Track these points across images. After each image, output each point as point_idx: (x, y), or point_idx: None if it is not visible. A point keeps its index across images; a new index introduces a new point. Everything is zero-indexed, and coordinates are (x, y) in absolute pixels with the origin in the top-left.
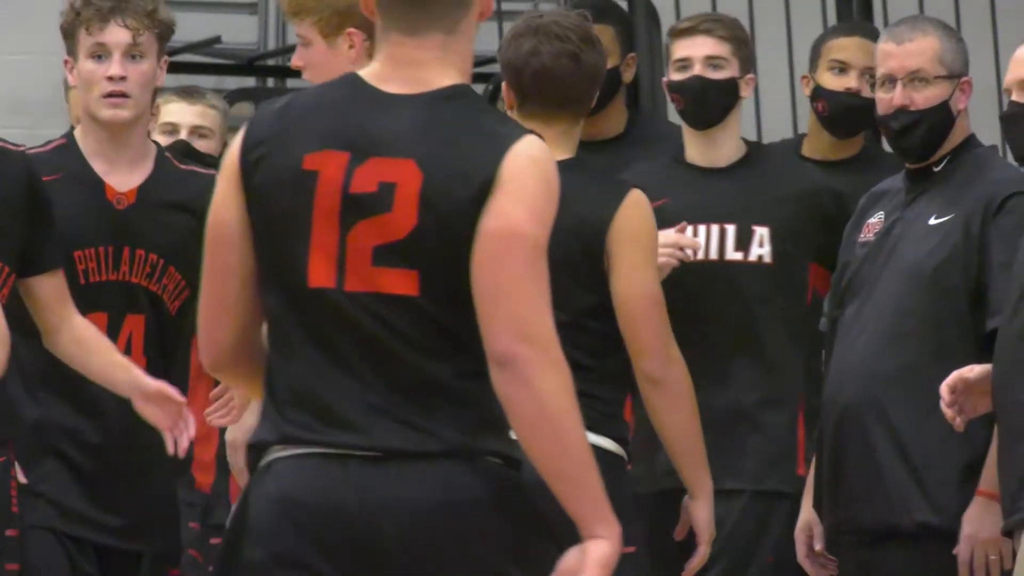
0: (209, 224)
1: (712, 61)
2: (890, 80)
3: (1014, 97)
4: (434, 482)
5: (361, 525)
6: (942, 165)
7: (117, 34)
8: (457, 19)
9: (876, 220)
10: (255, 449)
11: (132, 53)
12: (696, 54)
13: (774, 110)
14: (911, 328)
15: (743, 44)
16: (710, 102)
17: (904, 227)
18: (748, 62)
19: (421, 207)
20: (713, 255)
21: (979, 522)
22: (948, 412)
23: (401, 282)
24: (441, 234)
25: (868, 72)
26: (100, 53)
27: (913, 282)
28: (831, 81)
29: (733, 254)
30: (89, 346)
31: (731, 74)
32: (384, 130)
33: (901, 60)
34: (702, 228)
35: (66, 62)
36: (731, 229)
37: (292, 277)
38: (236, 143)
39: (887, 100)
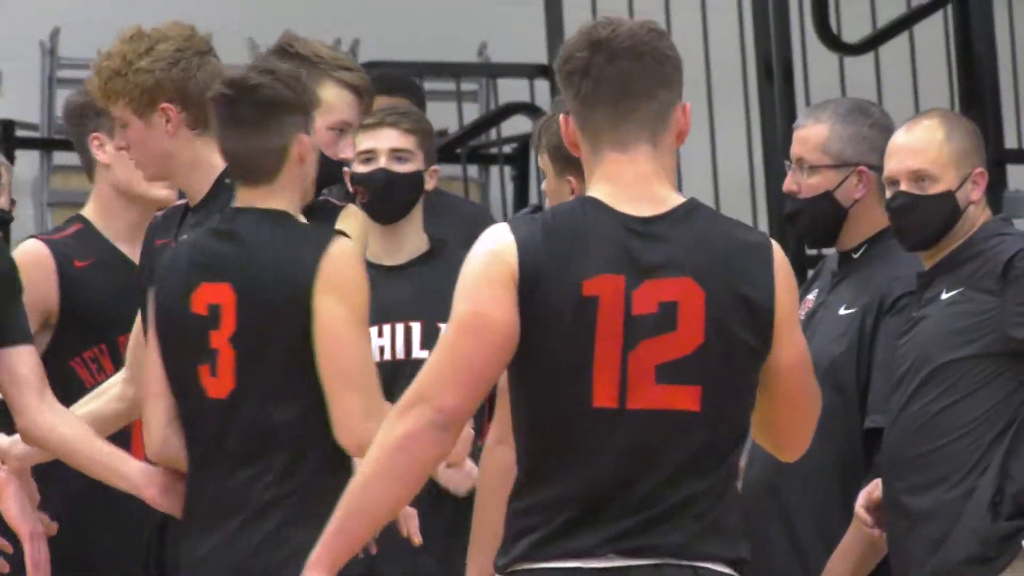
0: (482, 317)
1: (397, 153)
2: (789, 165)
3: (904, 187)
4: None
5: None
6: (860, 252)
7: None
8: (659, 132)
9: (812, 297)
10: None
11: None
12: (381, 146)
13: (697, 191)
14: None
15: (428, 137)
16: (395, 196)
17: (824, 311)
18: (433, 155)
19: (708, 324)
20: (400, 354)
21: None
22: (875, 532)
23: (684, 398)
24: (724, 350)
25: None
26: None
27: (815, 372)
28: None
29: (420, 352)
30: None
31: (416, 167)
32: (651, 252)
33: (794, 146)
34: (387, 327)
35: (95, 138)
36: (416, 327)
37: (575, 397)
38: (506, 254)
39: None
